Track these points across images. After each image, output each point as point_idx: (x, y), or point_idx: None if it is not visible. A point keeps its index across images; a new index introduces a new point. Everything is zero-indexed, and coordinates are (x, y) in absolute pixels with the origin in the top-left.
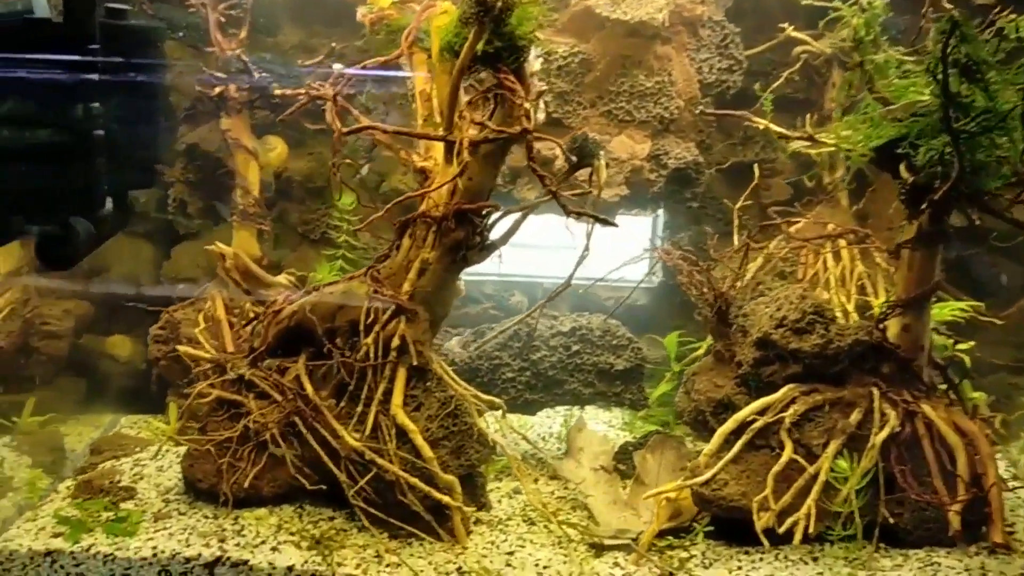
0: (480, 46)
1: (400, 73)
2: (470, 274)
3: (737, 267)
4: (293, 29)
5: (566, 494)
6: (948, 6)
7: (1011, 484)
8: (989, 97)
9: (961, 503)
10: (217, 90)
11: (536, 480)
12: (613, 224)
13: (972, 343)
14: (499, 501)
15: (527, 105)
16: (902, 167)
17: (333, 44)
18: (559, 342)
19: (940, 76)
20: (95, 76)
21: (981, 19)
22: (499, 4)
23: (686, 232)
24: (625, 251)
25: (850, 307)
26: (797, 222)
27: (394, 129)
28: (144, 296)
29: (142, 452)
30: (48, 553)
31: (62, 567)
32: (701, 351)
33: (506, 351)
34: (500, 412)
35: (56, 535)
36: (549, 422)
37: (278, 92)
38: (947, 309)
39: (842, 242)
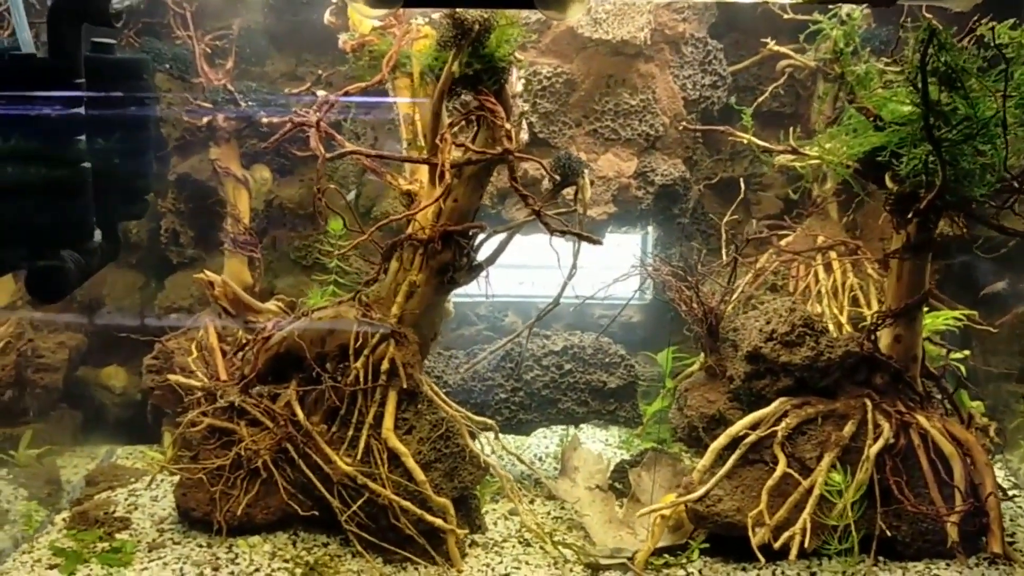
0: (459, 69)
1: (386, 99)
2: (464, 296)
3: (726, 282)
4: (281, 58)
5: (562, 514)
6: (927, 16)
7: (1011, 493)
8: (970, 105)
9: (958, 514)
10: (205, 120)
11: (532, 500)
12: (598, 241)
13: (967, 352)
14: (495, 523)
15: (508, 126)
16: (887, 177)
17: (320, 72)
18: (551, 361)
19: (920, 85)
20: (81, 110)
21: (959, 27)
22: (476, 26)
23: (677, 248)
24: (619, 269)
25: (843, 319)
26: (788, 235)
27: (377, 153)
28: (138, 326)
29: (137, 482)
30: None
31: None
32: (695, 367)
33: (499, 372)
34: (493, 433)
35: (52, 567)
36: (546, 442)
37: (265, 121)
38: (941, 318)
39: (833, 254)
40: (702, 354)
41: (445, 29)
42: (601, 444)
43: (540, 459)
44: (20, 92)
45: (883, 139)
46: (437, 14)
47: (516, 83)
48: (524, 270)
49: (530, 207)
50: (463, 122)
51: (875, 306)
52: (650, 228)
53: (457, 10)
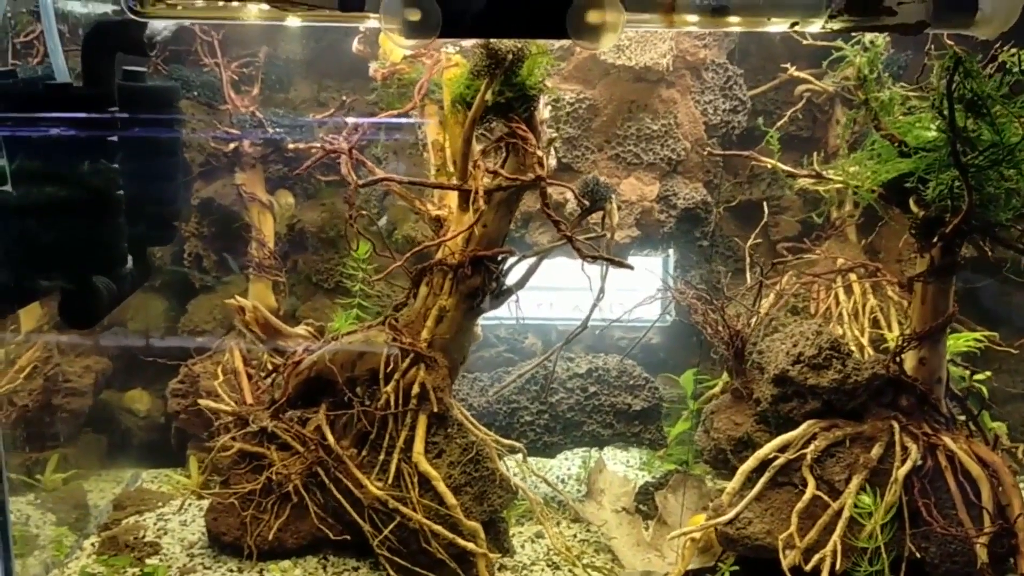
0: (491, 97)
1: (412, 121)
2: (492, 319)
3: (751, 304)
4: (305, 84)
5: (588, 536)
6: (950, 43)
7: None
8: (996, 131)
9: (987, 535)
10: (231, 146)
11: (558, 523)
12: (629, 266)
13: (989, 373)
14: (522, 546)
15: (539, 152)
16: (911, 202)
17: (344, 98)
18: (576, 384)
19: (946, 112)
20: (115, 137)
21: (983, 55)
22: (510, 56)
23: (697, 271)
24: (636, 292)
25: (864, 341)
26: (807, 258)
27: (411, 180)
28: (162, 350)
29: (164, 507)
30: None
31: None
32: (717, 389)
33: (524, 394)
34: (520, 456)
35: None
36: (567, 464)
37: (292, 146)
38: (962, 340)
39: (853, 276)
40: (725, 375)
41: (479, 59)
42: (622, 466)
43: (563, 481)
44: (56, 119)
45: (910, 165)
46: (468, 43)
47: (544, 109)
48: (542, 292)
49: (562, 232)
50: (492, 149)
51: (895, 328)
52: (671, 251)
53: (491, 41)
